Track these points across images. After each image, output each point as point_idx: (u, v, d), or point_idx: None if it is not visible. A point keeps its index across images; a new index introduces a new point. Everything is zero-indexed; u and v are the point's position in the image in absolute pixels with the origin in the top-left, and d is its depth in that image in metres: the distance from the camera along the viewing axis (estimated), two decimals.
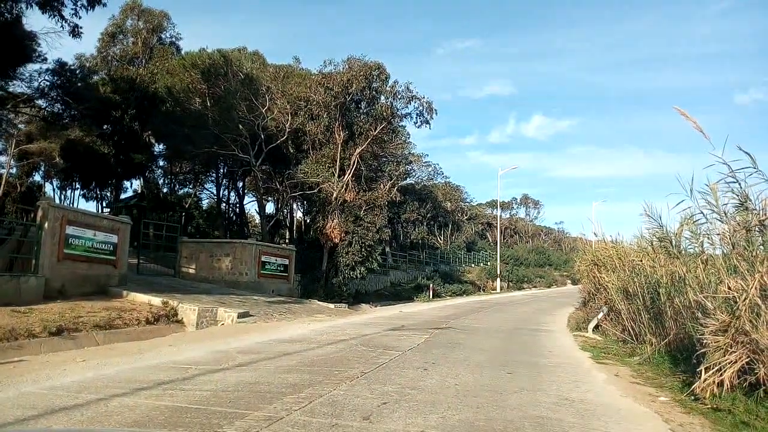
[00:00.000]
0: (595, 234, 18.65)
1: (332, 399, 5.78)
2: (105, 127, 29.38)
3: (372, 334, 12.76)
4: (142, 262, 20.74)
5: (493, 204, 72.03)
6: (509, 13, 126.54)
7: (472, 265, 54.06)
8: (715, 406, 5.95)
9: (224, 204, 39.18)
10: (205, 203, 43.96)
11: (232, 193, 39.20)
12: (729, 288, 6.24)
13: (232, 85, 24.05)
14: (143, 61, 33.46)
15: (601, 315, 15.75)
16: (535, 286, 54.36)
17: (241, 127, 23.83)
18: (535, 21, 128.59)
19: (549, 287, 55.60)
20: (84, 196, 39.17)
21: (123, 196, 35.69)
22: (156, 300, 13.78)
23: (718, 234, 7.01)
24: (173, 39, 35.98)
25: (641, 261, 12.91)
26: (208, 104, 25.07)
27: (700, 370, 6.23)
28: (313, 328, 13.61)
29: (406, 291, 34.13)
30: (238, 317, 14.19)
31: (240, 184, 37.07)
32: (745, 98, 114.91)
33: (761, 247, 6.07)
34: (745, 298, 5.85)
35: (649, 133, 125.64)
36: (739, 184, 5.94)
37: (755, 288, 5.81)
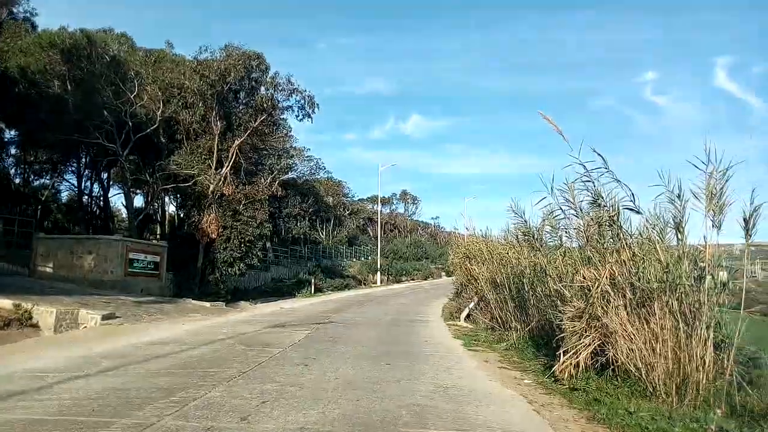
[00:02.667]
0: (467, 228, 19.73)
1: (208, 401, 5.53)
2: None
3: (251, 332, 12.43)
4: None
5: (374, 199, 73.22)
6: (388, 10, 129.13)
7: (354, 260, 54.61)
8: (572, 386, 6.55)
9: (87, 197, 35.88)
10: (64, 196, 39.93)
11: (96, 186, 36.06)
12: (584, 277, 6.88)
13: (96, 68, 22.00)
14: None
15: (472, 305, 16.72)
16: (413, 279, 56.18)
17: (106, 113, 21.91)
18: (413, 21, 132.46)
19: (426, 279, 57.74)
20: None
21: None
22: (6, 302, 12.27)
23: (575, 228, 7.71)
24: (28, 14, 32.04)
25: (508, 254, 13.88)
26: (69, 88, 22.72)
27: (559, 354, 6.81)
28: (187, 329, 12.95)
29: (288, 287, 33.61)
30: (102, 319, 13.09)
31: (105, 176, 34.17)
32: (598, 103, 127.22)
33: (611, 240, 6.76)
34: (598, 287, 6.48)
35: (518, 134, 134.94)
36: (593, 183, 6.60)
37: (606, 277, 6.46)
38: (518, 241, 13.00)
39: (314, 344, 10.37)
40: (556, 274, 8.60)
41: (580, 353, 6.71)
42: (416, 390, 6.38)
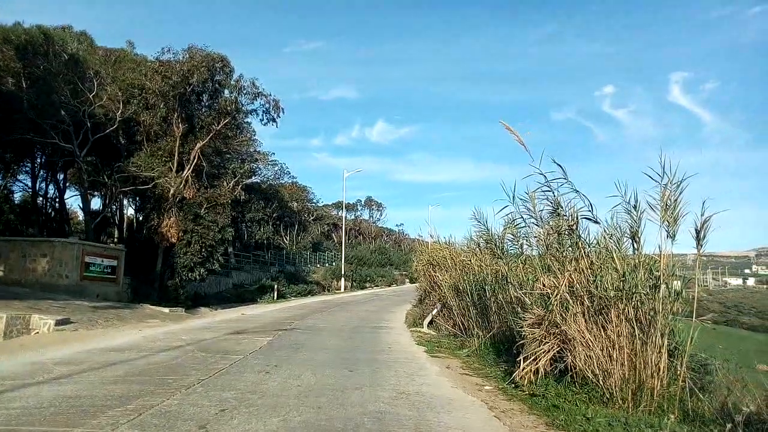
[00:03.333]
0: (431, 236, 19.85)
1: (165, 409, 5.39)
2: None
3: (211, 338, 12.20)
4: None
5: (338, 205, 73.10)
6: (355, 16, 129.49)
7: (318, 266, 54.31)
8: (532, 392, 6.65)
9: (41, 198, 34.62)
10: (17, 197, 38.41)
11: (52, 187, 34.82)
12: (544, 285, 7.00)
13: (53, 66, 21.31)
14: None
15: (435, 311, 16.80)
16: (377, 285, 56.22)
17: (63, 113, 21.21)
18: (381, 29, 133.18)
19: (390, 286, 57.88)
20: None
21: None
22: None
23: (535, 237, 7.85)
24: None
25: (470, 261, 14.02)
26: (24, 86, 21.96)
27: (520, 360, 6.91)
28: (145, 335, 12.61)
29: (250, 293, 33.17)
30: (56, 325, 12.63)
31: (61, 177, 33.04)
32: (560, 115, 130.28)
33: (569, 248, 6.92)
34: (557, 294, 6.61)
35: (481, 143, 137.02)
36: (553, 192, 6.74)
37: (565, 285, 6.59)
38: (480, 249, 13.17)
39: (276, 351, 10.24)
40: (517, 282, 8.73)
41: (539, 359, 6.83)
42: (378, 397, 6.37)
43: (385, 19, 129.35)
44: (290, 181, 54.64)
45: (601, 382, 6.19)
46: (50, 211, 36.14)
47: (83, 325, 13.40)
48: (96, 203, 35.15)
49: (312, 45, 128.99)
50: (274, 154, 49.04)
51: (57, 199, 34.89)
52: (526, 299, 7.28)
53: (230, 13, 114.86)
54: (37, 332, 12.38)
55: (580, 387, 6.45)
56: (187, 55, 23.09)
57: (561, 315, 6.66)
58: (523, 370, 6.86)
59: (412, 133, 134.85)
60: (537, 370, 6.84)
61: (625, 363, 6.12)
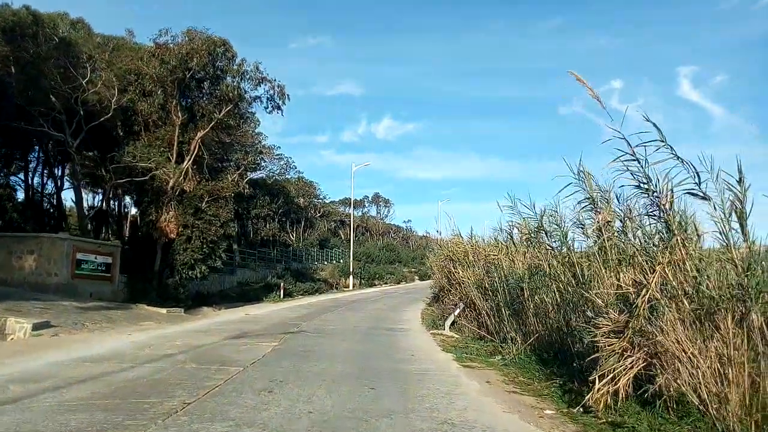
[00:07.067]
0: (452, 231, 18.33)
1: None
2: None
3: (208, 344, 10.74)
4: None
5: (346, 202, 71.59)
6: (361, 12, 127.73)
7: (325, 263, 52.82)
8: (611, 420, 5.13)
9: (39, 194, 33.32)
10: (21, 195, 37.12)
11: (50, 183, 33.50)
12: (621, 283, 5.48)
13: (43, 50, 19.92)
14: None
15: (457, 311, 15.30)
16: (386, 283, 54.66)
17: (53, 99, 19.80)
18: (385, 25, 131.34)
19: (399, 283, 56.29)
20: None
21: None
22: None
23: (601, 223, 6.27)
24: None
25: (498, 256, 12.53)
26: (12, 71, 20.60)
27: (593, 378, 5.39)
28: (134, 340, 11.18)
29: (255, 291, 31.71)
30: (33, 329, 11.24)
31: (59, 172, 31.70)
32: (566, 110, 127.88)
33: (659, 235, 5.37)
34: (645, 294, 5.07)
35: (487, 139, 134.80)
36: (639, 162, 5.17)
37: (656, 282, 5.05)
38: (514, 242, 11.67)
39: (281, 360, 8.76)
40: (574, 280, 7.19)
41: (619, 378, 5.31)
42: (415, 429, 4.88)
43: (391, 14, 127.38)
44: (296, 176, 53.04)
45: (712, 411, 4.66)
46: (48, 207, 34.89)
47: (66, 329, 11.98)
48: (97, 199, 33.96)
49: (316, 40, 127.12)
50: (279, 147, 47.23)
51: (54, 195, 33.61)
52: (598, 300, 5.74)
53: (235, 8, 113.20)
54: (13, 337, 10.99)
55: (680, 416, 4.94)
56: (186, 38, 21.57)
57: (650, 321, 5.13)
58: (597, 391, 5.34)
59: (417, 129, 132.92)
60: (616, 391, 5.32)
61: (746, 385, 4.59)
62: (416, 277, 61.49)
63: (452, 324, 15.01)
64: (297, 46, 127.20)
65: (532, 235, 9.14)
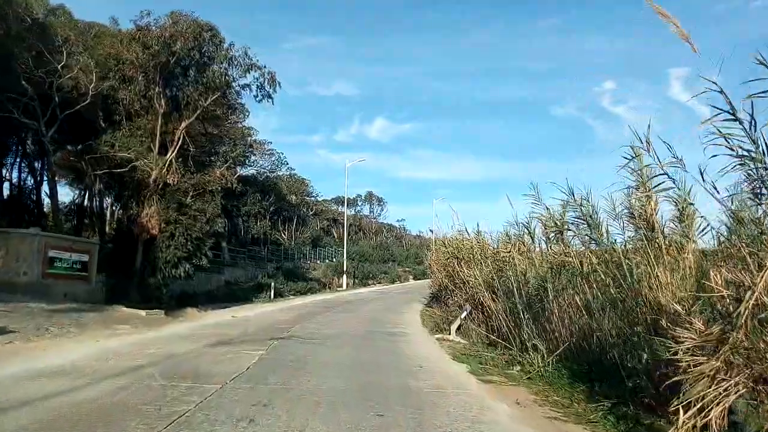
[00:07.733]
0: (457, 227, 17.12)
1: None
2: None
3: (185, 352, 9.40)
4: None
5: (339, 200, 70.15)
6: (357, 12, 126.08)
7: (318, 262, 51.41)
8: None
9: (16, 189, 31.74)
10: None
11: (30, 178, 31.92)
12: (712, 284, 4.19)
13: (13, 30, 18.47)
14: None
15: (464, 314, 14.02)
16: (380, 282, 53.36)
17: (25, 84, 18.36)
18: (381, 25, 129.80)
19: (393, 283, 55.01)
20: None
21: None
22: None
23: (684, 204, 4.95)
24: None
25: (511, 253, 11.28)
26: None
27: (677, 408, 4.10)
28: (102, 348, 9.82)
29: (245, 291, 30.32)
30: None
31: (39, 166, 30.15)
32: (560, 111, 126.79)
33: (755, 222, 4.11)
34: (749, 298, 3.79)
35: (483, 140, 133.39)
36: (741, 123, 3.89)
37: (763, 284, 3.77)
38: (532, 237, 10.41)
39: (268, 374, 7.42)
40: (623, 281, 5.91)
41: (710, 408, 4.03)
42: None
43: (384, 14, 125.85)
44: (288, 173, 51.59)
45: None
46: (29, 203, 33.33)
47: (25, 335, 10.56)
48: (76, 194, 32.45)
49: (311, 40, 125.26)
50: (271, 143, 45.69)
51: (34, 190, 32.06)
52: (677, 307, 4.45)
53: (229, 7, 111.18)
54: None
55: None
56: (170, 21, 20.13)
57: (755, 334, 3.86)
58: (683, 425, 4.06)
59: (412, 129, 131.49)
60: (706, 425, 4.05)
61: None
62: (411, 277, 60.29)
63: (458, 328, 13.73)
64: (292, 45, 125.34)
65: (565, 227, 7.83)
